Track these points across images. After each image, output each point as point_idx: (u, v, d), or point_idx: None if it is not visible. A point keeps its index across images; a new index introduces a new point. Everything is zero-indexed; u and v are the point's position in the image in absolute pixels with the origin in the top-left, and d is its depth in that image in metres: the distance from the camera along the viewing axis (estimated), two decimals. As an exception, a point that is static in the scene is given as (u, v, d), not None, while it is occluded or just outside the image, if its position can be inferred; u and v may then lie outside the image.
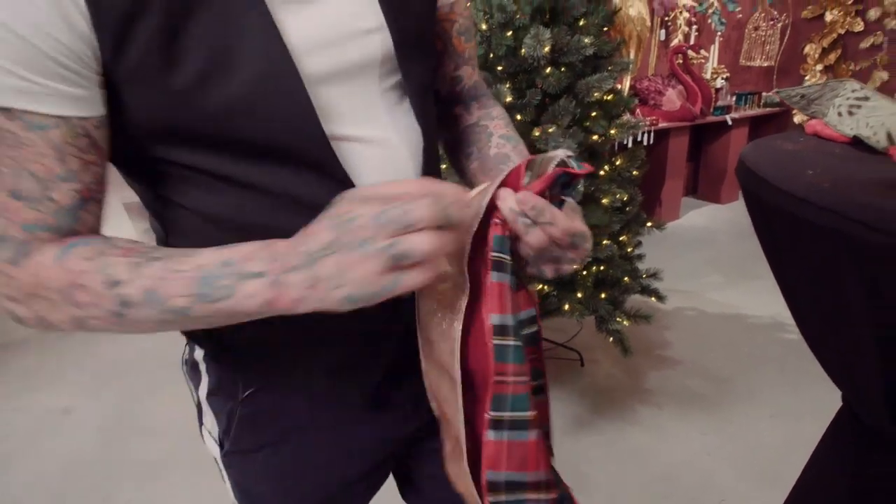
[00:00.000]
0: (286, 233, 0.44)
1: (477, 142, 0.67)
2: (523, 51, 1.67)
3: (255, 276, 0.41)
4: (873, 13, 4.08)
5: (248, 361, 0.61)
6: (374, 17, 0.52)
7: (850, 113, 0.67)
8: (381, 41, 0.53)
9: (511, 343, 0.47)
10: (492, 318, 0.47)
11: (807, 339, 0.76)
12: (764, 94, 4.64)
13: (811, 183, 0.56)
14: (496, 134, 0.67)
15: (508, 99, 1.69)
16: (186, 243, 0.49)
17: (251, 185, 0.49)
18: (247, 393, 0.62)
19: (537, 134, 1.71)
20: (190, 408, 0.71)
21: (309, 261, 0.40)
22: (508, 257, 0.47)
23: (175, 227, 0.54)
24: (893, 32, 4.03)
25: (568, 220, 0.47)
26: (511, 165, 0.50)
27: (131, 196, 0.57)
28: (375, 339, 0.60)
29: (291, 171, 0.49)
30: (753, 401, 2.05)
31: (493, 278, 0.47)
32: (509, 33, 1.69)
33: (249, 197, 0.50)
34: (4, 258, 0.45)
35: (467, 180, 0.68)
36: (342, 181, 0.50)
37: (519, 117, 1.72)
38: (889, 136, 0.64)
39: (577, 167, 0.46)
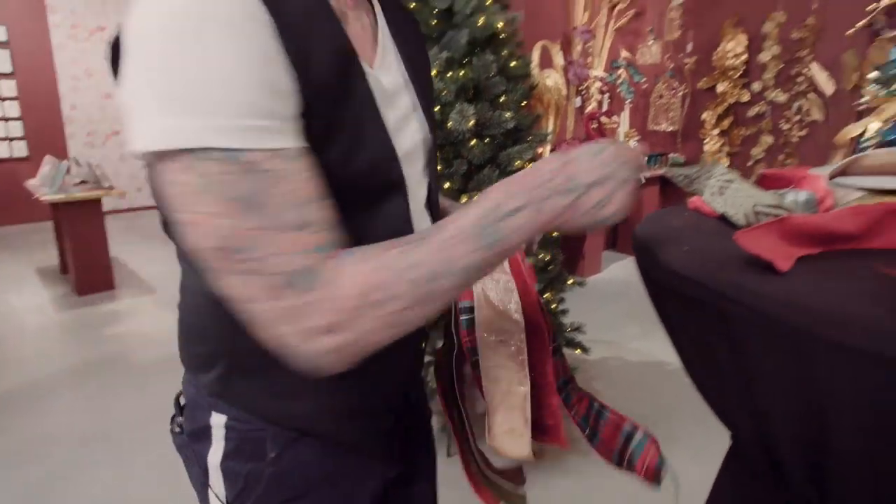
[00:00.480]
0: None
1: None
2: (450, 124, 1.81)
3: (516, 212, 0.51)
4: (757, 86, 4.61)
5: (280, 422, 0.65)
6: (422, 118, 0.68)
7: (721, 193, 0.80)
8: (423, 135, 0.68)
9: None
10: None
11: (696, 386, 0.87)
12: (671, 155, 5.08)
13: (686, 259, 0.68)
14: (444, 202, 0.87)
15: (439, 167, 1.81)
16: None
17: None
18: (275, 453, 0.65)
19: (464, 200, 1.83)
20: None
21: (572, 190, 0.53)
22: None
23: None
24: (774, 102, 4.55)
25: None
26: None
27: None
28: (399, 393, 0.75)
29: (386, 202, 0.61)
30: (675, 444, 2.18)
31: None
32: (437, 108, 1.83)
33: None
34: (304, 287, 0.46)
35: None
36: (405, 217, 0.64)
37: (447, 185, 1.84)
38: (745, 215, 0.78)
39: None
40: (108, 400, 2.61)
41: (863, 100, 1.88)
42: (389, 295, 0.48)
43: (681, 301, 0.70)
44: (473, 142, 1.83)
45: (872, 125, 1.81)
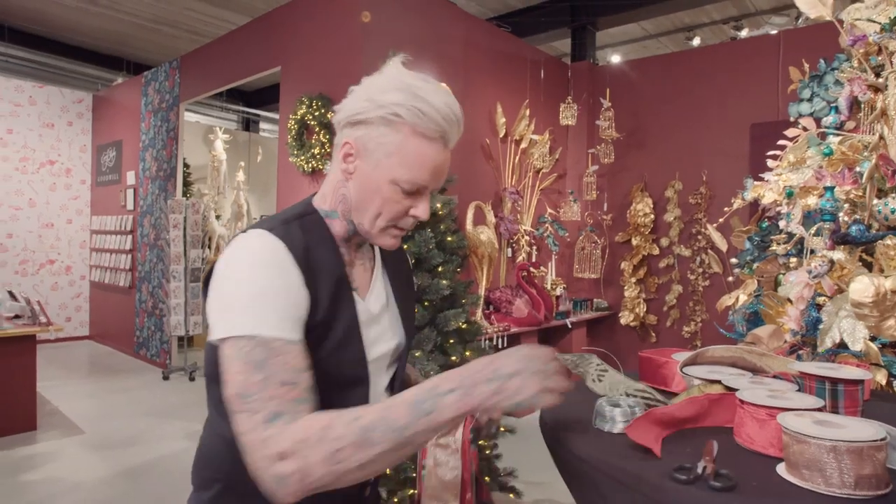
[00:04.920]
0: None
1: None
2: (394, 289, 2.08)
3: (448, 393, 0.73)
4: (665, 241, 5.26)
5: None
6: (398, 328, 0.99)
7: (600, 379, 1.07)
8: (397, 341, 0.98)
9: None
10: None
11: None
12: (595, 300, 5.56)
13: (573, 436, 0.93)
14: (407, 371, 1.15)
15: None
16: None
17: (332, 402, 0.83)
18: None
19: (407, 356, 2.06)
20: None
21: (494, 379, 0.74)
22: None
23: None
24: (680, 256, 5.18)
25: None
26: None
27: None
28: None
29: (341, 397, 0.84)
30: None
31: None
32: (383, 275, 2.11)
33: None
34: (283, 422, 0.70)
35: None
36: (364, 402, 0.88)
37: (391, 343, 2.07)
38: (620, 394, 1.05)
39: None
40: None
41: (730, 278, 2.31)
42: (333, 435, 0.69)
43: (570, 468, 0.93)
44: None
45: (741, 296, 2.21)
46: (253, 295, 0.75)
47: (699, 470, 0.80)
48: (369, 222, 0.87)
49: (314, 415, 0.73)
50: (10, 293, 4.40)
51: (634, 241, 5.41)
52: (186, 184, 7.26)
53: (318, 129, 4.06)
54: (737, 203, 2.21)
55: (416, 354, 2.03)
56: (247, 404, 0.71)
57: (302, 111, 4.13)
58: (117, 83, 7.71)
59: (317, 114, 4.05)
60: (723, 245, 4.66)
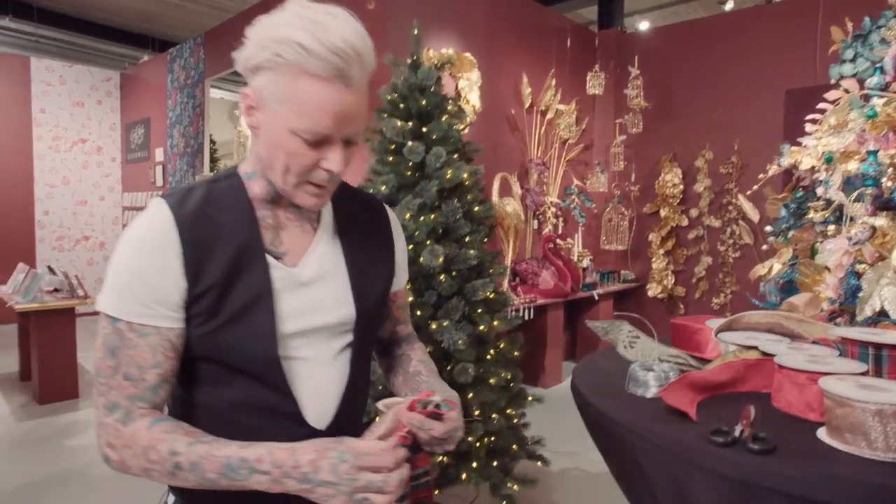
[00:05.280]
0: (246, 424, 0.79)
1: (401, 364, 1.02)
2: (422, 260, 2.08)
3: (262, 473, 0.71)
4: (694, 212, 5.16)
5: None
6: (346, 298, 0.87)
7: (631, 346, 1.07)
8: (346, 312, 0.87)
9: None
10: None
11: (626, 496, 1.09)
12: (622, 272, 5.51)
13: (606, 399, 0.92)
14: (415, 359, 1.01)
15: (410, 299, 2.07)
16: (188, 413, 0.83)
17: (232, 387, 0.81)
18: None
19: (434, 327, 2.07)
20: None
21: (305, 481, 0.69)
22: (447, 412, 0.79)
23: (189, 411, 0.84)
24: (710, 227, 5.08)
25: (443, 426, 0.79)
26: (412, 396, 0.81)
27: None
28: None
29: (252, 380, 0.81)
30: (629, 556, 2.31)
31: None
32: (410, 247, 2.12)
33: (231, 395, 0.80)
34: (116, 418, 0.75)
35: (394, 389, 1.01)
36: (281, 389, 0.81)
37: (419, 313, 2.08)
38: (653, 360, 1.04)
39: (445, 409, 0.78)
40: (73, 518, 2.59)
41: (764, 247, 2.25)
42: (151, 457, 0.73)
43: (604, 432, 0.93)
44: (442, 276, 2.10)
45: (775, 266, 2.16)
46: (121, 275, 0.76)
47: (736, 433, 0.79)
48: (281, 179, 0.79)
49: (146, 429, 0.74)
50: (50, 268, 4.54)
51: (663, 213, 5.31)
52: (213, 159, 7.34)
53: (342, 101, 4.05)
54: (772, 170, 2.15)
55: (445, 324, 2.05)
56: (98, 383, 0.77)
57: (326, 84, 4.12)
58: (143, 61, 7.78)
59: (341, 86, 4.04)
60: (754, 215, 4.54)
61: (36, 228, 7.26)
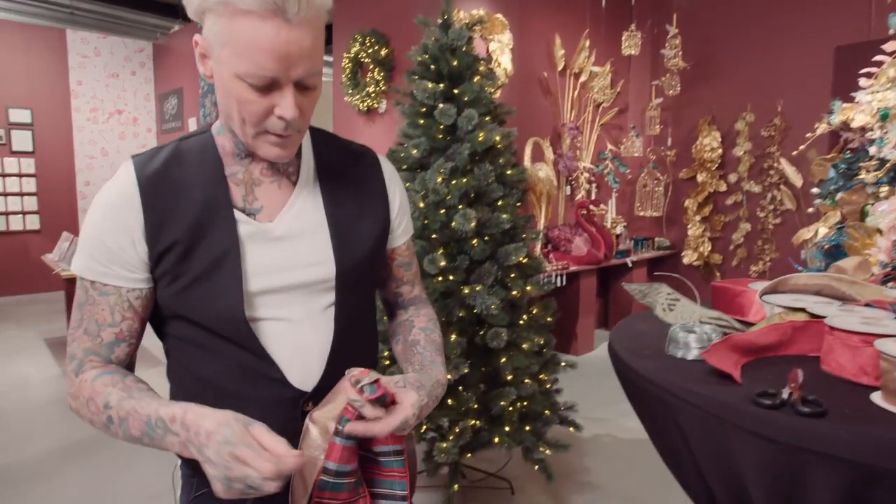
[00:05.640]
0: (229, 388, 0.79)
1: (402, 332, 0.98)
2: (454, 225, 2.06)
3: (173, 434, 0.69)
4: (733, 177, 4.99)
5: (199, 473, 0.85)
6: (325, 255, 0.83)
7: (670, 308, 1.04)
8: (324, 270, 0.83)
9: (330, 480, 0.75)
10: (326, 462, 0.75)
11: (664, 462, 1.07)
12: (656, 238, 5.39)
13: (645, 361, 0.90)
14: (417, 326, 0.96)
15: (442, 263, 2.06)
16: (178, 378, 0.86)
17: (211, 351, 0.81)
18: (198, 493, 0.88)
19: (467, 291, 2.06)
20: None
21: (199, 453, 0.66)
22: (341, 427, 0.74)
23: (181, 376, 0.86)
24: (749, 192, 4.92)
25: (385, 422, 0.73)
26: (352, 370, 0.76)
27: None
28: None
29: (228, 342, 0.79)
30: (662, 520, 2.32)
31: (334, 440, 0.75)
32: (442, 211, 2.10)
33: (211, 359, 0.81)
34: (72, 368, 0.79)
35: (397, 356, 0.98)
36: (255, 351, 0.79)
37: (451, 278, 2.07)
38: (694, 323, 1.01)
39: (369, 392, 0.72)
40: (121, 471, 2.71)
41: (810, 209, 2.16)
42: (91, 408, 0.75)
43: (643, 395, 0.91)
44: (475, 240, 2.08)
45: (821, 229, 2.08)
46: (86, 237, 0.78)
47: (784, 396, 0.76)
48: (239, 131, 0.76)
49: (91, 380, 0.76)
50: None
51: (700, 178, 5.15)
52: (245, 129, 7.39)
53: (372, 66, 4.01)
54: (820, 128, 2.05)
55: (477, 289, 2.04)
56: (68, 332, 0.81)
57: (355, 49, 4.07)
58: (174, 31, 7.81)
59: (370, 51, 3.98)
60: (797, 180, 4.38)
61: (78, 199, 7.47)
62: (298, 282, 0.82)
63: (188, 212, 0.77)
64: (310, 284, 0.83)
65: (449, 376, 2.00)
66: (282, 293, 0.81)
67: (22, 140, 6.94)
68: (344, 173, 0.89)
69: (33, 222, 7.10)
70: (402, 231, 0.97)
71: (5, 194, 6.89)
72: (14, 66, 6.87)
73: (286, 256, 0.81)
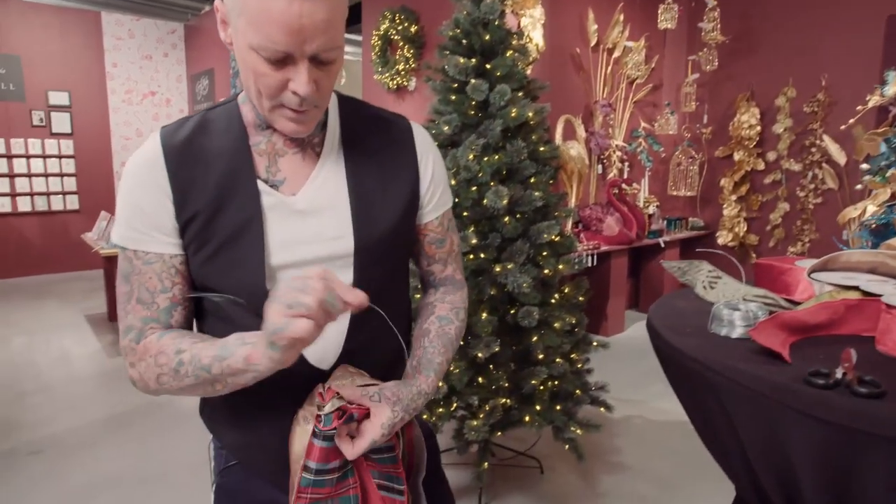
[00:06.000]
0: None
1: (422, 315, 0.95)
2: (486, 202, 2.04)
3: (245, 345, 0.69)
4: (772, 155, 4.83)
5: (229, 446, 0.89)
6: (346, 229, 0.81)
7: (712, 287, 1.00)
8: (344, 245, 0.81)
9: (311, 478, 0.75)
10: (307, 461, 0.75)
11: (705, 445, 1.04)
12: (690, 218, 5.27)
13: (687, 339, 0.87)
14: (435, 314, 0.92)
15: (474, 241, 2.04)
16: None
17: (236, 324, 0.78)
18: (227, 465, 0.90)
19: (498, 270, 2.04)
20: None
21: (275, 304, 0.64)
22: (318, 430, 0.74)
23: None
24: (789, 171, 4.75)
25: (354, 447, 0.74)
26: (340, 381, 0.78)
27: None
28: None
29: (251, 315, 0.77)
30: (697, 502, 2.29)
31: (313, 441, 0.75)
32: (474, 188, 2.07)
33: (231, 325, 0.78)
34: (131, 338, 0.78)
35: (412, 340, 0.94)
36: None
37: (483, 256, 2.06)
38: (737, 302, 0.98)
39: (326, 422, 0.73)
40: (163, 442, 2.80)
41: (857, 186, 2.07)
42: (161, 361, 0.74)
43: (684, 374, 0.89)
44: (507, 218, 2.05)
45: (870, 207, 1.99)
46: (123, 207, 0.78)
47: (838, 376, 0.73)
48: (256, 102, 0.75)
49: (157, 339, 0.76)
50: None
51: (737, 156, 5.00)
52: (275, 110, 7.43)
53: (402, 43, 3.96)
54: (872, 100, 1.95)
55: (509, 267, 2.01)
56: (118, 307, 0.80)
57: (385, 26, 4.03)
58: (205, 11, 7.85)
59: (400, 28, 3.94)
60: (840, 157, 4.22)
61: (115, 179, 7.64)
62: (317, 256, 0.81)
63: (212, 181, 0.77)
64: (329, 260, 0.81)
65: (480, 354, 2.01)
66: (302, 268, 0.79)
67: (61, 122, 7.11)
68: (371, 143, 0.85)
69: (73, 202, 7.30)
70: (434, 205, 0.92)
71: (46, 175, 7.09)
72: (52, 50, 7.01)
73: (308, 231, 0.80)
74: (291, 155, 0.81)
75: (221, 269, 0.78)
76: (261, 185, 0.79)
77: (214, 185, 0.77)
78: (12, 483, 2.48)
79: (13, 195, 6.92)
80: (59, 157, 7.15)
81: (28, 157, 6.95)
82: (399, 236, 0.87)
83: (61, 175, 7.19)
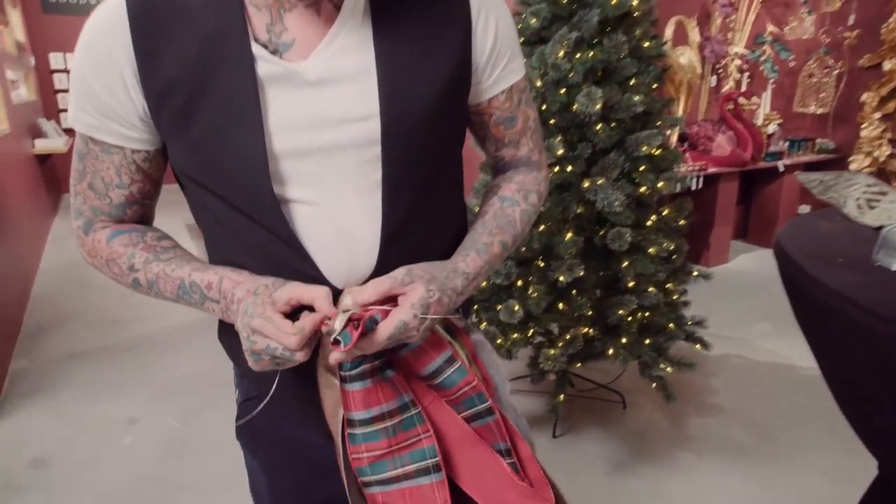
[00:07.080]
0: (252, 270, 0.67)
1: (485, 199, 0.80)
2: (576, 107, 1.77)
3: (212, 301, 0.66)
4: (934, 63, 4.03)
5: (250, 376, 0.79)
6: (371, 106, 0.63)
7: (871, 206, 0.73)
8: (371, 127, 0.63)
9: (359, 431, 0.64)
10: (348, 413, 0.64)
11: (840, 407, 0.81)
12: (818, 140, 4.61)
13: (840, 273, 0.63)
14: (498, 194, 0.78)
15: (560, 152, 1.79)
16: (213, 260, 0.74)
17: (238, 234, 0.67)
18: (247, 398, 0.81)
19: (587, 185, 1.80)
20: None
21: (240, 320, 0.60)
22: (344, 372, 0.63)
23: (214, 253, 0.75)
24: (955, 83, 3.96)
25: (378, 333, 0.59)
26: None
27: (191, 219, 0.77)
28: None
29: (253, 223, 0.65)
30: (799, 456, 2.04)
31: (343, 386, 0.64)
32: (563, 91, 1.80)
33: (238, 243, 0.68)
34: (79, 226, 0.72)
35: None
36: (287, 240, 0.64)
37: (570, 169, 1.81)
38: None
39: (345, 341, 0.57)
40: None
41: None
42: (113, 269, 0.70)
43: (827, 317, 0.65)
44: (599, 125, 1.77)
45: None
46: (73, 76, 0.64)
47: None
48: None
49: (106, 240, 0.70)
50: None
51: (887, 66, 4.21)
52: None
53: None
54: None
55: (599, 182, 1.76)
56: (73, 187, 0.71)
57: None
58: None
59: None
60: None
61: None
62: (334, 143, 0.63)
63: (190, 41, 0.59)
64: (352, 147, 0.63)
65: (562, 278, 1.81)
66: (317, 157, 0.63)
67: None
68: (409, 3, 0.65)
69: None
70: (498, 76, 0.71)
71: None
72: None
73: (322, 108, 0.62)
74: (303, 9, 0.62)
75: (212, 160, 0.62)
76: (257, 48, 0.61)
77: (194, 48, 0.59)
78: (105, 376, 2.66)
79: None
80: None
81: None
82: (444, 118, 0.67)
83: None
